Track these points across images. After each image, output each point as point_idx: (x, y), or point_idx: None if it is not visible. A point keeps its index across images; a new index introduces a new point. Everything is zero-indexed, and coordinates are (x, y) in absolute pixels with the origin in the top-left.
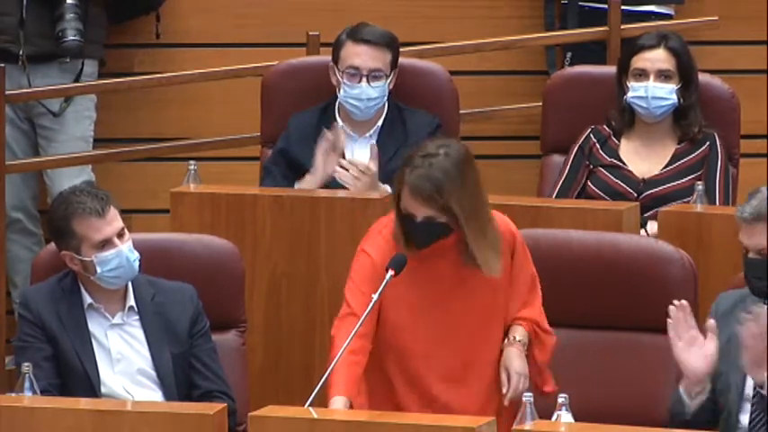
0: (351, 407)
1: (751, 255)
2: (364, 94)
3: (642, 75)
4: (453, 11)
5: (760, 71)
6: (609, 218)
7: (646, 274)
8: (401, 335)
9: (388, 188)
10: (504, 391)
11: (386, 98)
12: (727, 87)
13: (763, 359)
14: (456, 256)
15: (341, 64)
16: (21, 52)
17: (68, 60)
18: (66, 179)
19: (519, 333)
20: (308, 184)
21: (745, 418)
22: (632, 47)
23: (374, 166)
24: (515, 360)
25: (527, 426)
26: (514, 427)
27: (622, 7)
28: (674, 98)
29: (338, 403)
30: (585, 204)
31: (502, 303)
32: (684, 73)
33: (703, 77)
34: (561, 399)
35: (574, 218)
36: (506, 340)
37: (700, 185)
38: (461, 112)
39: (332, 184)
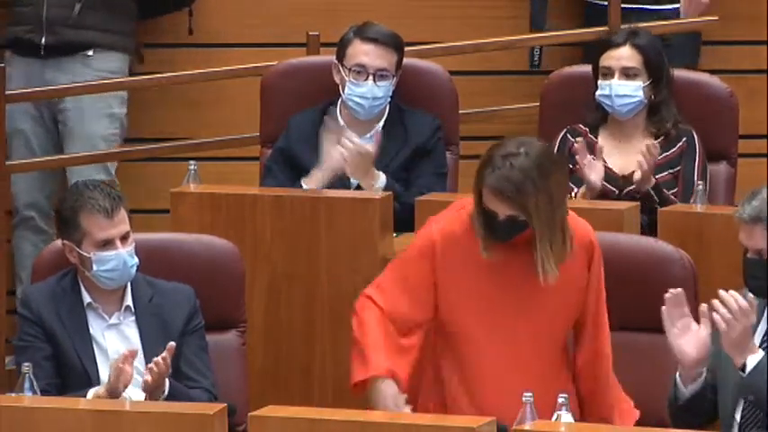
0: (404, 392)
1: (749, 254)
2: (370, 93)
3: (608, 73)
4: (453, 11)
5: (760, 71)
6: (610, 217)
7: (646, 275)
8: (463, 334)
9: (382, 175)
10: None
11: (389, 99)
12: (726, 87)
13: (741, 342)
14: (529, 254)
15: (347, 61)
16: (42, 42)
17: (91, 53)
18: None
19: None
20: (316, 179)
21: (739, 415)
22: (602, 44)
23: (372, 150)
24: None
25: (527, 426)
26: (514, 426)
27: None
28: (639, 95)
29: (387, 390)
30: (586, 204)
31: (573, 307)
32: (653, 70)
33: (702, 77)
34: (561, 399)
35: None
36: None
37: (700, 185)
38: (461, 112)
39: (338, 183)
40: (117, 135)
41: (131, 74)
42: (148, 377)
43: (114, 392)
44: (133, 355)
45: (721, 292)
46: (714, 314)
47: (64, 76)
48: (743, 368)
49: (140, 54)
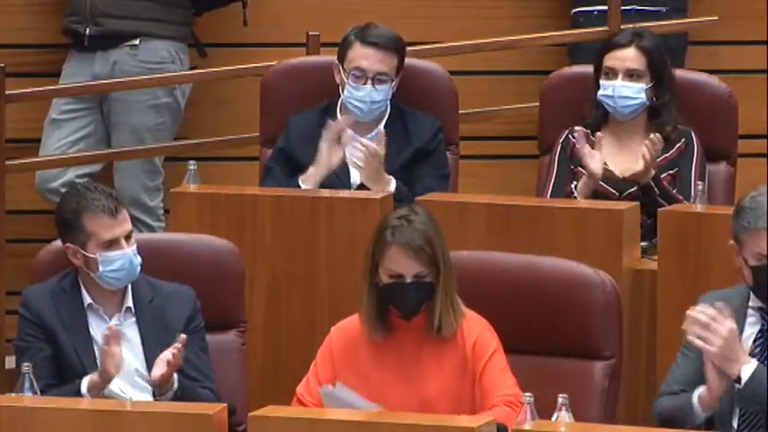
0: None
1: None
2: (369, 97)
3: (611, 73)
4: (453, 11)
5: (760, 71)
6: (610, 217)
7: (567, 299)
8: None
9: (393, 180)
10: None
11: (389, 101)
12: (726, 87)
13: (728, 352)
14: (421, 330)
15: (347, 64)
16: (87, 32)
17: (138, 42)
18: (128, 179)
19: None
20: (313, 175)
21: (736, 422)
22: (606, 44)
23: (381, 151)
24: None
25: (527, 426)
26: (514, 426)
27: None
28: (642, 97)
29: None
30: (586, 204)
31: (469, 378)
32: (656, 72)
33: (701, 77)
34: (561, 399)
35: (574, 218)
36: None
37: (700, 185)
38: (461, 112)
39: (332, 177)
40: (164, 125)
41: (191, 68)
42: (159, 370)
43: (106, 375)
44: (114, 334)
45: (688, 313)
46: (689, 336)
47: (109, 68)
48: (738, 380)
49: (199, 44)
